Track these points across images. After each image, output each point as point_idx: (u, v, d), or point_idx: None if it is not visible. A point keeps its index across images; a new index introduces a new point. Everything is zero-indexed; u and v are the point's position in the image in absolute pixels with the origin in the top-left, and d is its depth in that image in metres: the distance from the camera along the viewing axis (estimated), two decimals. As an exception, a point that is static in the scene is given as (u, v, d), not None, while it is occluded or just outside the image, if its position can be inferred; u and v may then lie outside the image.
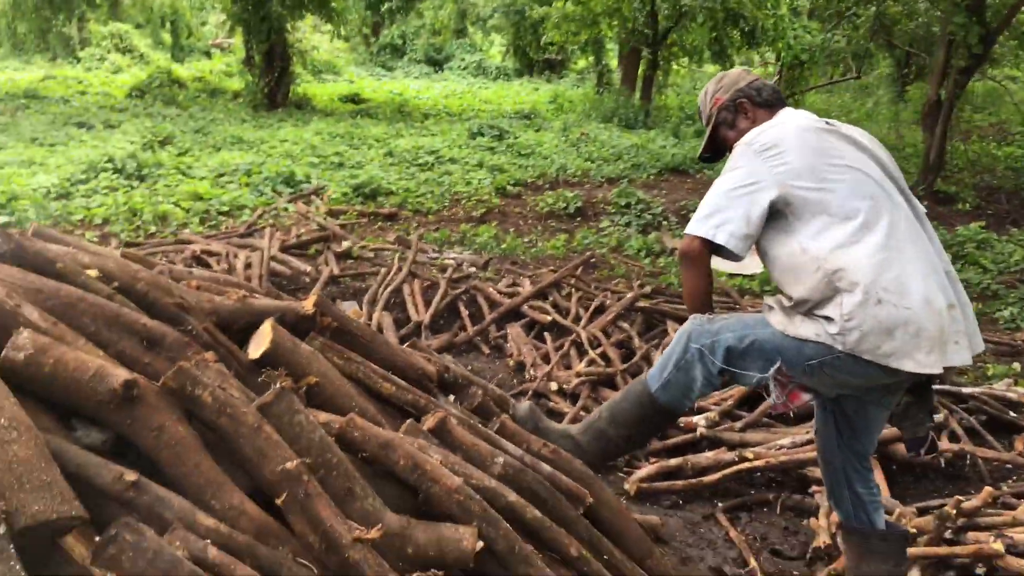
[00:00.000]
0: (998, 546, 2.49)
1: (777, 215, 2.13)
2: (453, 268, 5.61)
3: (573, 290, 5.23)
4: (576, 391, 3.99)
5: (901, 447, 3.24)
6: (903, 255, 2.04)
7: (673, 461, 3.32)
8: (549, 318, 4.80)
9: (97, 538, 1.35)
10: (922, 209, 2.25)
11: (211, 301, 2.04)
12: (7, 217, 6.69)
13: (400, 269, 5.51)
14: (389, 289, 5.19)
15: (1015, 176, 10.45)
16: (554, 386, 4.05)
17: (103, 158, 8.83)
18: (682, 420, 3.56)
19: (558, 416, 3.71)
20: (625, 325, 4.71)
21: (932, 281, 2.05)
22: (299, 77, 16.17)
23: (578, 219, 8.37)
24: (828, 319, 2.03)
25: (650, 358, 4.21)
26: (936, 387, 3.66)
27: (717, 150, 2.52)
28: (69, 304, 1.71)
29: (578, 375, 4.07)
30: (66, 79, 16.97)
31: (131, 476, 1.45)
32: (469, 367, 4.27)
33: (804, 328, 2.07)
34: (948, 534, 2.64)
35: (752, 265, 2.41)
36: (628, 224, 8.12)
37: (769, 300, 2.22)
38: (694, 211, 2.22)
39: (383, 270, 5.59)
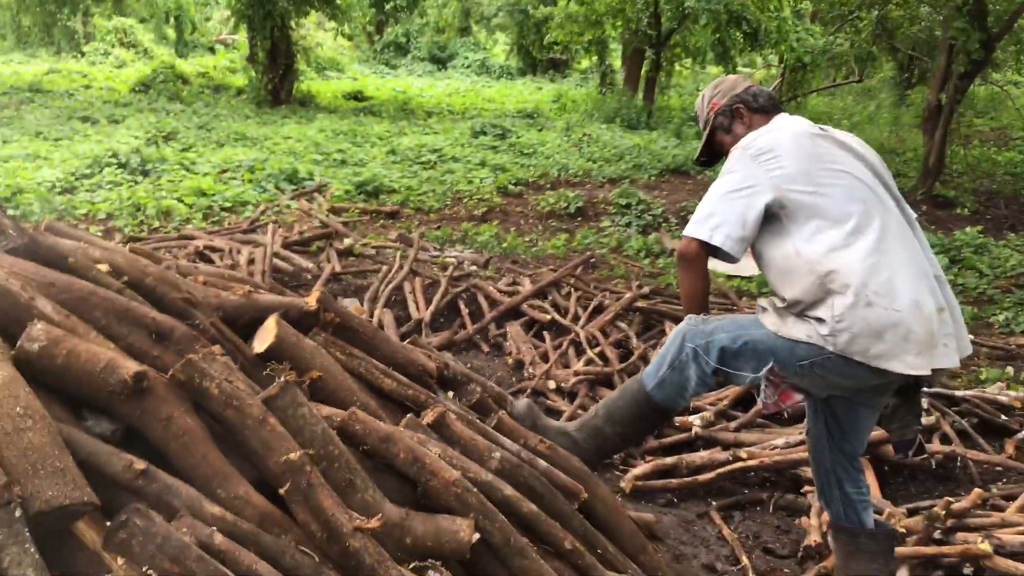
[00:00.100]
0: (986, 546, 2.51)
1: (772, 218, 2.18)
2: (454, 266, 5.65)
3: (572, 290, 5.27)
4: (574, 390, 4.03)
5: (891, 449, 3.28)
6: (894, 259, 2.09)
7: (668, 460, 3.36)
8: (548, 317, 4.84)
9: (108, 523, 1.40)
10: (913, 214, 2.30)
11: (217, 296, 2.08)
12: (12, 211, 6.73)
13: (401, 267, 5.56)
14: (390, 286, 5.24)
15: (1014, 181, 10.47)
16: (552, 384, 4.09)
17: (107, 153, 8.87)
18: (678, 419, 3.60)
19: (556, 414, 3.75)
20: (623, 325, 4.75)
21: (922, 285, 2.10)
22: (303, 74, 16.17)
23: (579, 219, 8.40)
24: (820, 320, 2.07)
25: (647, 358, 4.25)
26: (929, 390, 3.71)
27: (714, 154, 2.56)
28: (81, 298, 1.75)
29: (576, 374, 4.11)
30: (70, 73, 16.98)
31: (140, 465, 1.49)
32: (469, 364, 4.32)
33: (796, 329, 2.12)
34: (937, 534, 2.67)
35: (748, 267, 2.44)
36: (628, 224, 8.14)
37: (763, 302, 2.27)
38: (694, 213, 2.27)
39: (384, 268, 5.64)
